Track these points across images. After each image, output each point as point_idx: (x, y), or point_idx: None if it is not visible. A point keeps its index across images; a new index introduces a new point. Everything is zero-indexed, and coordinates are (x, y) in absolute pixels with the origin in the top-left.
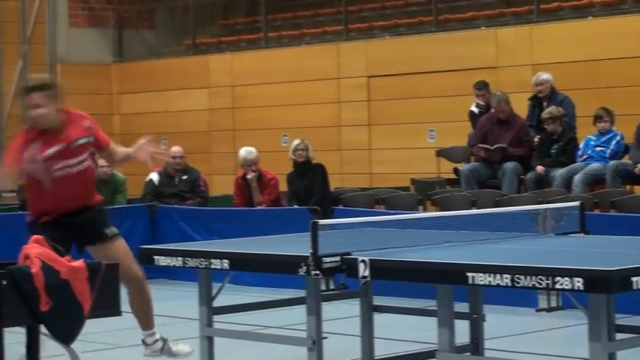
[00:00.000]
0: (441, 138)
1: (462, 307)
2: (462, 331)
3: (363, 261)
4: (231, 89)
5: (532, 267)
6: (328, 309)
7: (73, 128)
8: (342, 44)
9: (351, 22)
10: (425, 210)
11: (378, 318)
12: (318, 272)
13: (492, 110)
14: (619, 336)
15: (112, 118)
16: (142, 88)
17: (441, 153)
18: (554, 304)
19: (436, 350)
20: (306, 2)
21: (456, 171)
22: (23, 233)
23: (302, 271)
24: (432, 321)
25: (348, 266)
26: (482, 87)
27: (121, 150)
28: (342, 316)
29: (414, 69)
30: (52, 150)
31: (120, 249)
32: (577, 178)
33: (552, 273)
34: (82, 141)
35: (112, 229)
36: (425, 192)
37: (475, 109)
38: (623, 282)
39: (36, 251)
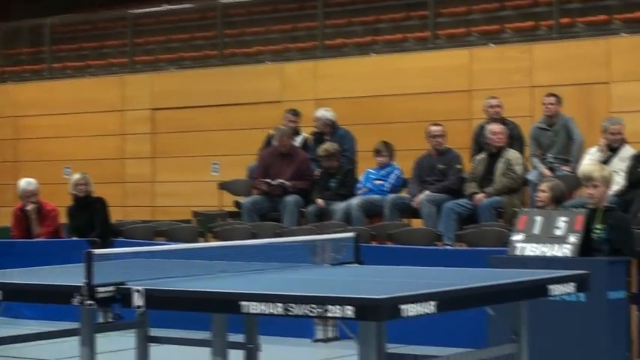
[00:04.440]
0: (225, 171)
1: (241, 338)
2: None
3: (137, 290)
4: (13, 120)
5: (304, 295)
6: (106, 341)
7: None
8: (127, 76)
9: (136, 55)
10: (206, 242)
11: (158, 350)
12: (91, 302)
13: (275, 143)
14: None
15: None
16: None
17: (224, 186)
18: (330, 334)
19: None
20: (91, 34)
21: (237, 204)
22: None
23: (76, 301)
24: (209, 352)
25: (123, 296)
26: (296, 114)
27: None
28: (120, 347)
29: (199, 102)
30: None
31: None
32: (354, 203)
33: (323, 301)
34: None
35: None
36: (206, 225)
37: None
38: (393, 310)
39: None
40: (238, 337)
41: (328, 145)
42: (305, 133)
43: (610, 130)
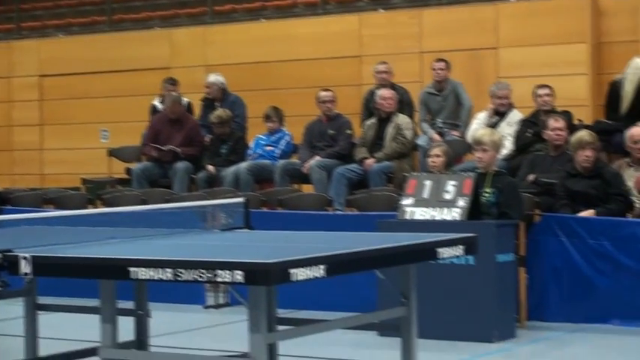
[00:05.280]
0: (114, 138)
1: (131, 305)
2: (130, 328)
3: (24, 257)
4: None
5: (193, 260)
6: None
7: None
8: (14, 42)
9: (23, 20)
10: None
11: (47, 318)
12: None
13: (163, 109)
14: (281, 329)
15: None
16: None
17: (113, 153)
18: (221, 300)
19: (99, 347)
20: None
21: (128, 171)
22: None
23: None
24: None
25: (10, 263)
26: (174, 83)
27: None
28: (8, 316)
29: (88, 69)
30: None
31: None
32: (243, 167)
33: (213, 266)
34: None
35: None
36: (95, 192)
37: (159, 105)
38: (282, 274)
39: None
40: (129, 305)
41: (221, 112)
42: (187, 99)
43: (498, 94)
